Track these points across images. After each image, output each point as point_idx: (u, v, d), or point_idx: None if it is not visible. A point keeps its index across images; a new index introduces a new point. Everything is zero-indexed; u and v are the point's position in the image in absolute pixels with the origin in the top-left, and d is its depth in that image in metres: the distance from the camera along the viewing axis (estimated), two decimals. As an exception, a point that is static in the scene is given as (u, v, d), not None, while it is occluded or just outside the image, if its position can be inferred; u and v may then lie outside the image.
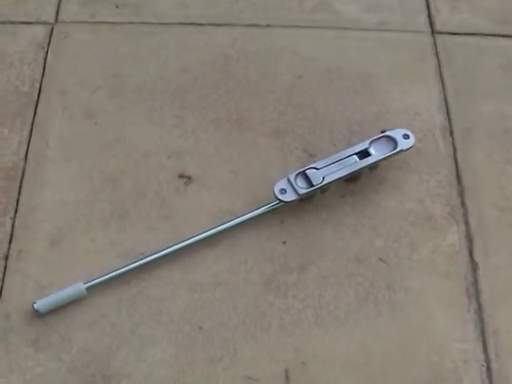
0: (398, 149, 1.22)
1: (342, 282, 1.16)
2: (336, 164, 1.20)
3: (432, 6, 1.52)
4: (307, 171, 1.19)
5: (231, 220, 1.18)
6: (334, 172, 1.19)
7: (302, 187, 1.18)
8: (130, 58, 1.41)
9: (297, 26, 1.47)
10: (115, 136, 1.30)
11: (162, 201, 1.23)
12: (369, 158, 1.21)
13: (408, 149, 1.23)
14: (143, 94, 1.36)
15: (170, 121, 1.32)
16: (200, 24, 1.47)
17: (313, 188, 1.18)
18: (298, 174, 1.19)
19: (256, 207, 1.19)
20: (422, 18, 1.50)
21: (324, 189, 1.20)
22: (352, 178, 1.23)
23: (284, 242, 1.19)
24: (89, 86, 1.37)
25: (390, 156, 1.22)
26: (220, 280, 1.15)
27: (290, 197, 1.17)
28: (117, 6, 1.48)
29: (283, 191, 1.17)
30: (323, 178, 1.18)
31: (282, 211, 1.20)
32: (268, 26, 1.46)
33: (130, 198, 1.23)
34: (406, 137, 1.23)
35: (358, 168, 1.20)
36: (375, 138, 1.23)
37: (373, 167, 1.23)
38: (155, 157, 1.28)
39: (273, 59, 1.42)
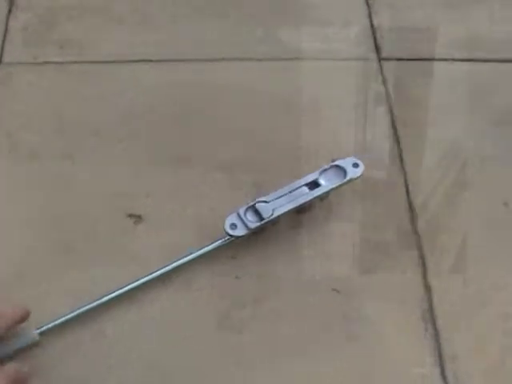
0: (348, 178, 1.22)
1: (298, 315, 1.15)
2: (286, 196, 1.19)
3: (377, 34, 1.53)
4: (257, 205, 1.18)
5: (183, 257, 1.17)
6: (283, 204, 1.18)
7: (252, 221, 1.17)
8: (76, 98, 1.40)
9: (243, 59, 1.47)
10: (62, 177, 1.29)
11: (111, 241, 1.21)
12: (318, 189, 1.21)
13: (358, 177, 1.23)
14: (88, 134, 1.35)
15: (116, 160, 1.31)
16: (148, 60, 1.47)
17: (263, 221, 1.17)
18: (247, 209, 1.18)
19: (208, 243, 1.18)
20: (368, 46, 1.52)
21: (275, 221, 1.19)
22: (303, 209, 1.23)
23: (237, 277, 1.18)
24: (33, 127, 1.35)
25: (339, 186, 1.22)
26: (174, 318, 1.14)
27: (240, 232, 1.17)
28: (61, 47, 1.47)
29: (234, 226, 1.17)
30: (273, 211, 1.17)
31: (233, 246, 1.19)
32: (216, 59, 1.47)
33: (79, 239, 1.21)
34: (356, 165, 1.23)
35: (307, 199, 1.20)
36: (325, 168, 1.23)
37: (323, 197, 1.23)
38: (103, 197, 1.26)
39: (220, 93, 1.42)
